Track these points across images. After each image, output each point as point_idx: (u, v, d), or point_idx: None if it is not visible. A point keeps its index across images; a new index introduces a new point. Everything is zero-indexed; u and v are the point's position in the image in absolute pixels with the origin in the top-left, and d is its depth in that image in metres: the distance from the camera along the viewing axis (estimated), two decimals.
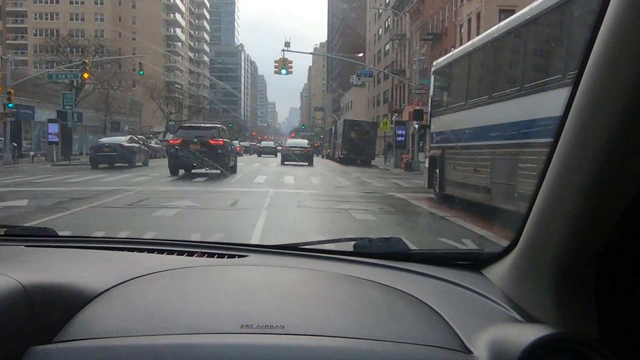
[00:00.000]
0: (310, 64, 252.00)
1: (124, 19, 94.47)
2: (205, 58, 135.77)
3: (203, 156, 20.80)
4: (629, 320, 1.25)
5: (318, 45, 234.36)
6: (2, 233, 2.16)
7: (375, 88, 79.77)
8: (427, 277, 1.68)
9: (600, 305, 1.25)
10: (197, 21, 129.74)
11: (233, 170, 23.59)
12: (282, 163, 35.16)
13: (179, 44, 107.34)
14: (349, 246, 1.92)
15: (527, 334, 1.11)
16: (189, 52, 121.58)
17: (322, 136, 74.42)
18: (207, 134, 22.14)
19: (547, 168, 1.22)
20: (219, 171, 21.10)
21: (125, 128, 55.52)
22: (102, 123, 53.42)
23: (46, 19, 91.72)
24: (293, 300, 1.47)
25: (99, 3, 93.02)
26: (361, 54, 79.11)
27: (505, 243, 1.53)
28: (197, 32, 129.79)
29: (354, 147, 41.48)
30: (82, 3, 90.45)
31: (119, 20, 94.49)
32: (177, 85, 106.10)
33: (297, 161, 34.48)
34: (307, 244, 2.03)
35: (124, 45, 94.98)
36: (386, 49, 68.58)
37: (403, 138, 36.76)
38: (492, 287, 1.54)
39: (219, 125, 25.11)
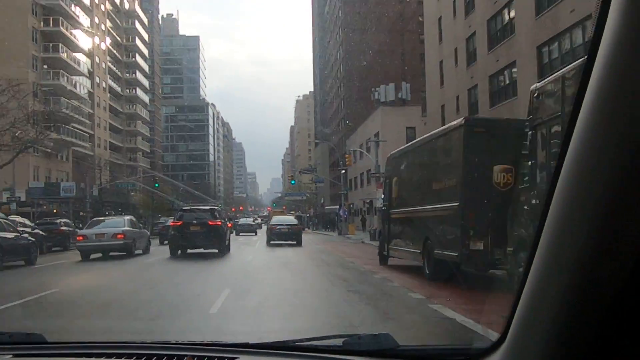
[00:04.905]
0: (292, 123, 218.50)
1: None
2: (142, 94, 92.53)
3: (203, 237, 21.88)
4: None
5: (301, 98, 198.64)
6: None
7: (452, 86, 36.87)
8: None
9: None
10: (125, 40, 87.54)
11: (227, 249, 23.85)
12: (268, 243, 30.57)
13: (81, 57, 64.16)
14: (338, 342, 1.90)
15: None
16: (109, 80, 78.54)
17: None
18: (206, 215, 22.91)
19: (534, 254, 1.16)
20: (216, 250, 21.97)
21: None
22: None
23: None
24: None
25: None
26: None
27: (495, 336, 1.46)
28: (127, 56, 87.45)
29: None
30: None
31: None
32: (79, 127, 62.21)
33: (284, 240, 30.68)
34: (296, 341, 2.00)
35: None
36: None
37: None
38: None
39: (215, 207, 28.31)
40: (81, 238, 24.08)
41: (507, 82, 28.07)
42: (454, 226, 11.45)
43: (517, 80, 26.54)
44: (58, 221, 31.14)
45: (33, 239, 22.41)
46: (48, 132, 39.33)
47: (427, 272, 12.83)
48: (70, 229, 29.70)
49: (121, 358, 1.89)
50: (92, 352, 1.96)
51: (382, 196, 38.13)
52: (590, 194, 1.01)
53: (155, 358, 1.87)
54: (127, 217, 27.61)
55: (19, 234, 20.96)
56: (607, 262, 1.02)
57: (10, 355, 1.88)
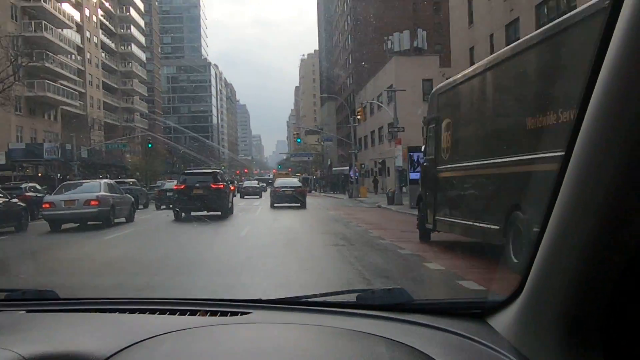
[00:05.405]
0: (297, 84, 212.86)
1: None
2: (138, 51, 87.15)
3: (206, 200, 22.06)
4: None
5: (305, 57, 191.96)
6: (3, 297, 2.10)
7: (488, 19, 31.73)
8: (431, 328, 1.64)
9: (610, 356, 1.16)
10: None
11: (230, 211, 23.92)
12: (272, 206, 29.67)
13: (68, 8, 58.85)
14: (352, 297, 1.88)
15: None
16: (102, 35, 73.20)
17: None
18: (209, 179, 23.11)
19: (553, 205, 1.16)
20: (219, 213, 22.31)
21: None
22: None
23: None
24: None
25: None
26: None
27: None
28: (120, 9, 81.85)
29: None
30: None
31: None
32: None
33: (288, 202, 29.45)
34: (310, 296, 1.99)
35: None
36: None
37: None
38: (498, 337, 1.49)
39: (218, 170, 27.75)
40: (48, 205, 20.06)
41: (562, 10, 23.14)
42: None
43: (576, 7, 21.65)
44: (23, 186, 26.71)
45: (23, 205, 20.45)
46: (14, 83, 34.21)
47: (515, 260, 8.31)
48: (38, 195, 25.41)
49: (134, 313, 1.88)
50: (104, 307, 1.95)
51: (399, 156, 33.70)
52: (613, 140, 1.01)
53: (168, 313, 1.85)
54: (105, 181, 23.61)
55: (7, 199, 19.48)
56: (626, 220, 1.02)
57: (24, 312, 1.88)
